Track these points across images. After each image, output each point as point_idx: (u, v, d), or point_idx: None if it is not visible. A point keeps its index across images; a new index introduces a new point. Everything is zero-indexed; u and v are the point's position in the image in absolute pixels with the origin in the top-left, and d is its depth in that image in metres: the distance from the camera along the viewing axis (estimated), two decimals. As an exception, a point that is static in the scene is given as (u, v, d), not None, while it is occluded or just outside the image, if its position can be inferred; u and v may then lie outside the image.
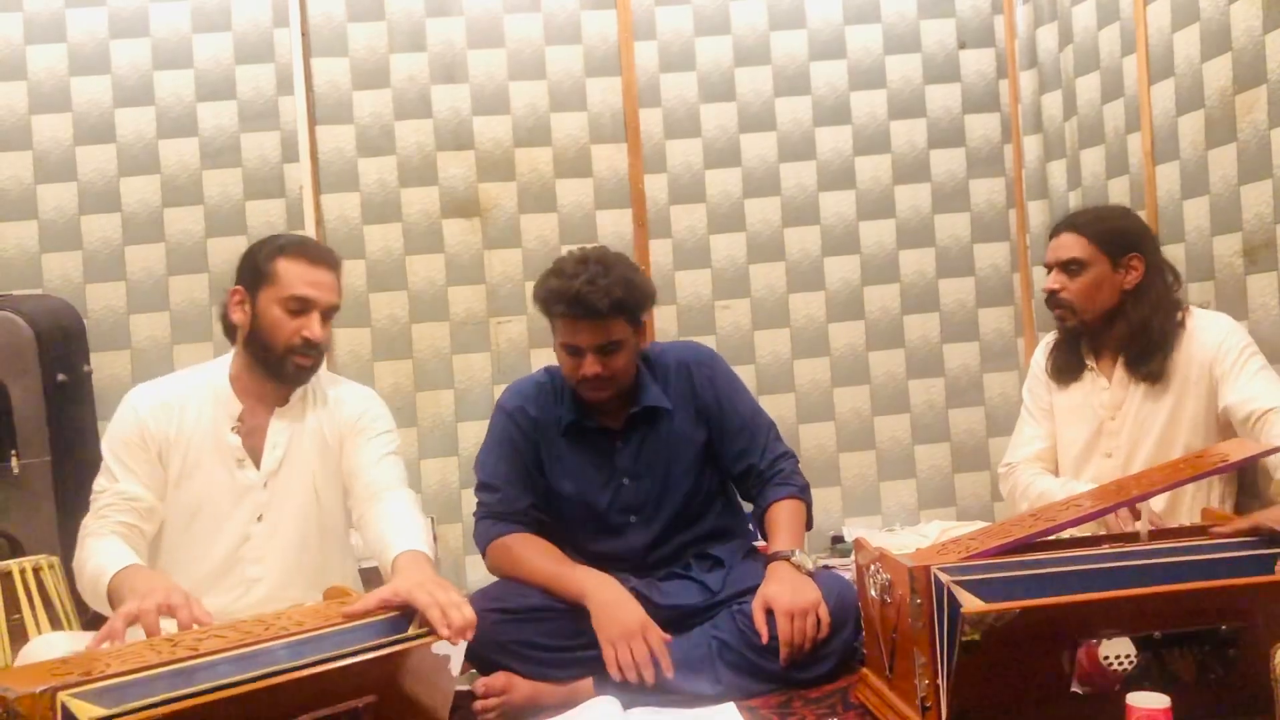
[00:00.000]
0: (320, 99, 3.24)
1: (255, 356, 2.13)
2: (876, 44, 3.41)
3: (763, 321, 3.38)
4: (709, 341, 3.26)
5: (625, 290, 2.21)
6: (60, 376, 2.77)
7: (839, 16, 3.39)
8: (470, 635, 1.70)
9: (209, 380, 2.17)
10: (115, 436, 2.11)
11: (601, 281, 2.19)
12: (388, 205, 3.26)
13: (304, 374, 2.13)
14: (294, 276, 2.09)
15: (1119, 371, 2.37)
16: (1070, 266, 2.35)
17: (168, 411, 2.12)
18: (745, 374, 2.66)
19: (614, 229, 3.31)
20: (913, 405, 3.42)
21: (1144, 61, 2.84)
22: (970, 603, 1.58)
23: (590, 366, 2.23)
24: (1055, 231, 2.43)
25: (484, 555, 2.36)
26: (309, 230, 3.18)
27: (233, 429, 2.13)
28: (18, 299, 2.86)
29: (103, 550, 1.97)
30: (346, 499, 2.21)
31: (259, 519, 2.14)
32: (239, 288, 2.14)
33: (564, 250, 3.15)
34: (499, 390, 3.20)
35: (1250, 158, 2.48)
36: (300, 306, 2.09)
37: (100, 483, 2.10)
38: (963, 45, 3.44)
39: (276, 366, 2.11)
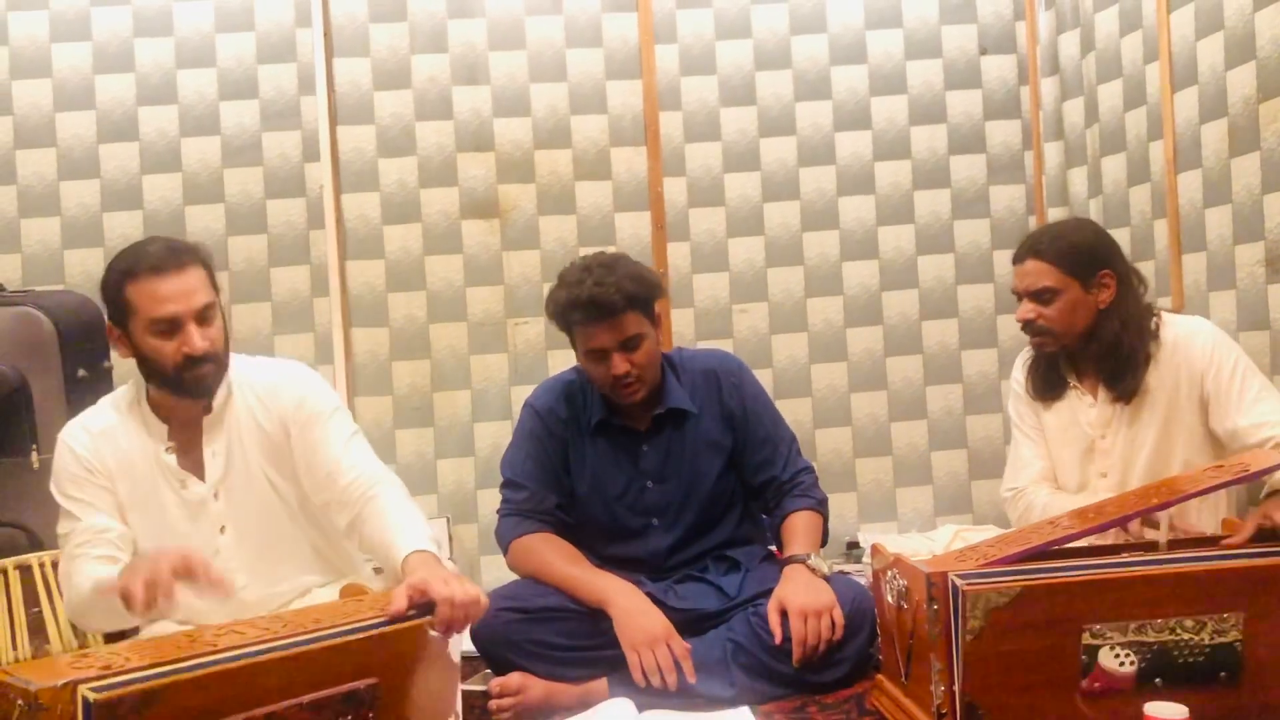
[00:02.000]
0: (341, 99, 3.25)
1: (157, 383, 2.01)
2: (897, 49, 3.40)
3: (780, 326, 3.37)
4: (726, 345, 3.26)
5: (634, 283, 2.26)
6: (81, 372, 2.79)
7: (860, 21, 3.38)
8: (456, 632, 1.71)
9: (133, 404, 2.06)
10: (62, 478, 2.00)
11: (609, 280, 2.24)
12: (407, 205, 3.27)
13: (209, 380, 1.99)
14: (146, 299, 1.93)
15: (1102, 390, 2.32)
16: (1042, 295, 2.27)
17: (102, 442, 2.01)
18: (762, 378, 2.66)
19: (632, 232, 3.31)
20: (930, 411, 3.41)
21: (1167, 69, 2.83)
22: (970, 585, 1.59)
23: (619, 366, 2.26)
24: (1019, 258, 2.34)
25: (505, 553, 2.37)
26: (329, 229, 3.19)
27: (166, 449, 2.02)
28: (40, 295, 2.88)
29: (94, 569, 1.89)
30: (319, 494, 2.07)
31: (222, 531, 2.03)
32: (110, 325, 2.02)
33: (582, 252, 3.18)
34: (516, 391, 3.24)
35: (1273, 167, 2.46)
36: (168, 327, 1.93)
37: (63, 526, 1.99)
38: (984, 51, 3.43)
39: (178, 387, 1.97)
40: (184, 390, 1.98)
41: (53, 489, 2.01)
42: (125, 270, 1.96)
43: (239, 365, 2.10)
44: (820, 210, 3.38)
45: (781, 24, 3.37)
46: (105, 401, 2.11)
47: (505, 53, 3.29)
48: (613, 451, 2.41)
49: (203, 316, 1.96)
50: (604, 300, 2.22)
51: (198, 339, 1.93)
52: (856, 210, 3.39)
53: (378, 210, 3.26)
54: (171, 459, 2.01)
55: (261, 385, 2.08)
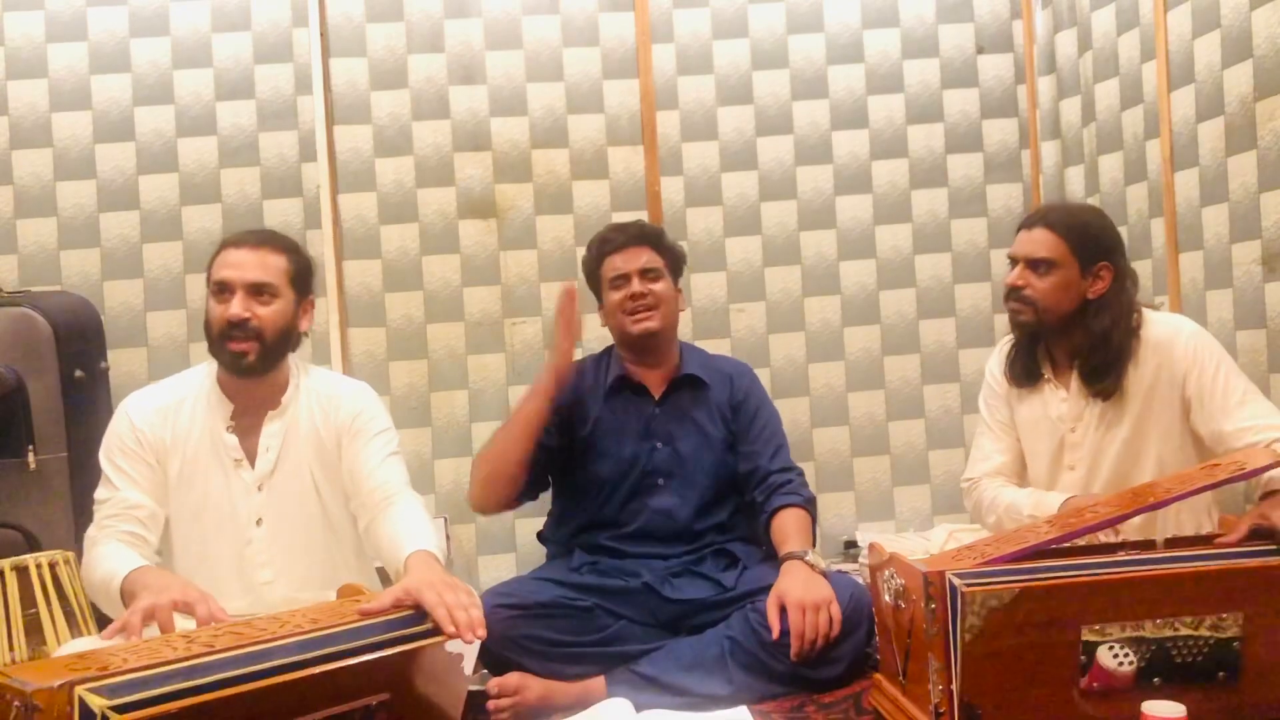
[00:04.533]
0: (338, 99, 3.25)
1: (212, 353, 2.15)
2: (894, 48, 3.40)
3: (778, 325, 3.37)
4: (724, 344, 3.27)
5: (669, 239, 2.64)
6: (78, 373, 2.79)
7: (857, 20, 3.38)
8: (481, 633, 1.70)
9: (200, 383, 2.19)
10: (112, 445, 2.12)
11: (652, 225, 2.77)
12: (404, 205, 3.27)
13: (244, 359, 2.09)
14: (218, 264, 2.12)
15: (1075, 382, 2.31)
16: (1039, 265, 2.26)
17: (162, 415, 2.13)
18: (760, 378, 2.69)
19: (630, 231, 3.31)
20: (927, 410, 3.41)
21: (1164, 68, 2.83)
22: (969, 586, 1.60)
23: (635, 285, 2.51)
24: (1028, 224, 2.33)
25: (470, 486, 2.51)
26: (326, 230, 3.19)
27: (227, 428, 2.14)
28: (36, 296, 2.88)
29: (111, 554, 1.97)
30: (349, 502, 2.20)
31: (258, 523, 2.13)
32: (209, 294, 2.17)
33: (579, 252, 3.17)
34: (514, 391, 3.24)
35: (1270, 165, 2.46)
36: (220, 289, 2.10)
37: (101, 492, 2.10)
38: (981, 50, 3.43)
39: (219, 355, 2.12)
40: (222, 360, 2.12)
41: (101, 454, 2.13)
42: (221, 243, 2.17)
43: (312, 374, 2.26)
44: (817, 209, 3.38)
45: (778, 23, 3.37)
46: (178, 376, 2.24)
47: (502, 52, 3.29)
48: (626, 412, 2.55)
49: (256, 290, 2.09)
50: (644, 229, 2.62)
51: (238, 305, 2.07)
52: (853, 209, 3.39)
53: (375, 210, 3.26)
54: (233, 439, 2.13)
55: (325, 395, 2.22)
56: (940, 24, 3.41)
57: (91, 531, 2.07)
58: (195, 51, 3.20)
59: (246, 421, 2.15)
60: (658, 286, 2.53)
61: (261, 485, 2.14)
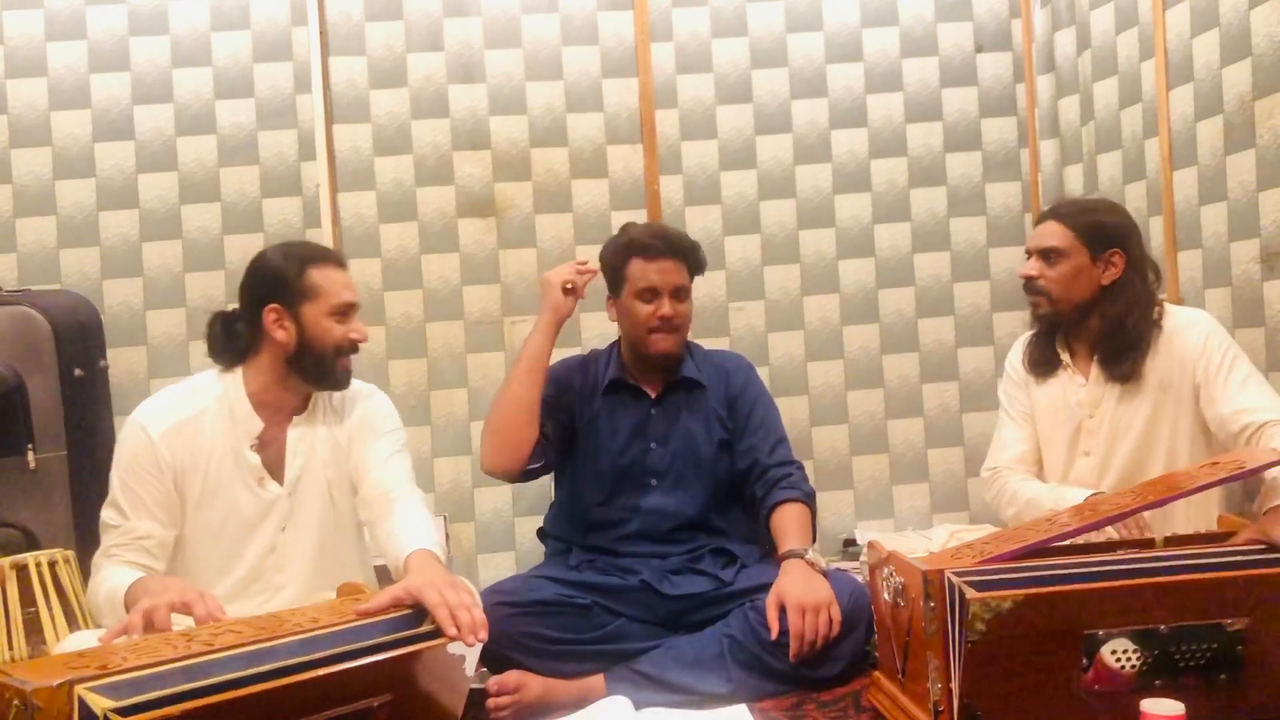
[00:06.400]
0: (338, 98, 3.24)
1: (301, 369, 2.13)
2: (893, 47, 3.40)
3: (776, 324, 3.37)
4: (722, 343, 3.27)
5: (698, 251, 2.56)
6: (77, 371, 2.79)
7: (856, 19, 3.38)
8: (484, 635, 1.70)
9: (224, 397, 2.13)
10: (127, 466, 2.06)
11: (684, 235, 2.59)
12: (404, 204, 3.27)
13: (349, 375, 2.19)
14: (336, 285, 2.16)
15: (1094, 369, 2.36)
16: (1049, 255, 2.34)
17: (181, 435, 2.08)
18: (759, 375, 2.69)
19: (629, 230, 3.30)
20: (926, 409, 3.41)
21: (1163, 66, 2.83)
22: (974, 592, 1.59)
23: (666, 307, 2.45)
24: (1040, 219, 2.43)
25: (482, 443, 2.51)
26: (325, 228, 3.19)
27: (251, 447, 2.12)
28: (36, 294, 2.87)
29: (116, 574, 1.96)
30: (354, 498, 2.21)
31: (283, 529, 2.14)
32: (276, 306, 2.11)
33: (579, 250, 3.18)
34: (513, 390, 3.23)
35: (1269, 163, 2.46)
36: (346, 312, 2.16)
37: (109, 515, 2.05)
38: (980, 49, 3.42)
39: (328, 374, 2.15)
40: (333, 380, 2.16)
41: (114, 473, 2.08)
42: (307, 257, 2.17)
43: None
44: (816, 208, 3.38)
45: (777, 22, 3.37)
46: (188, 386, 2.19)
47: (501, 51, 3.29)
48: (621, 412, 2.54)
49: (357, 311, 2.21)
50: (678, 241, 2.52)
51: (363, 327, 2.19)
52: (852, 208, 3.39)
53: (374, 209, 3.26)
54: (256, 458, 2.12)
55: (339, 397, 2.24)
56: (939, 23, 3.41)
57: (98, 558, 2.04)
58: (194, 50, 3.20)
59: (269, 434, 2.15)
60: (685, 307, 2.50)
61: (290, 491, 2.15)
